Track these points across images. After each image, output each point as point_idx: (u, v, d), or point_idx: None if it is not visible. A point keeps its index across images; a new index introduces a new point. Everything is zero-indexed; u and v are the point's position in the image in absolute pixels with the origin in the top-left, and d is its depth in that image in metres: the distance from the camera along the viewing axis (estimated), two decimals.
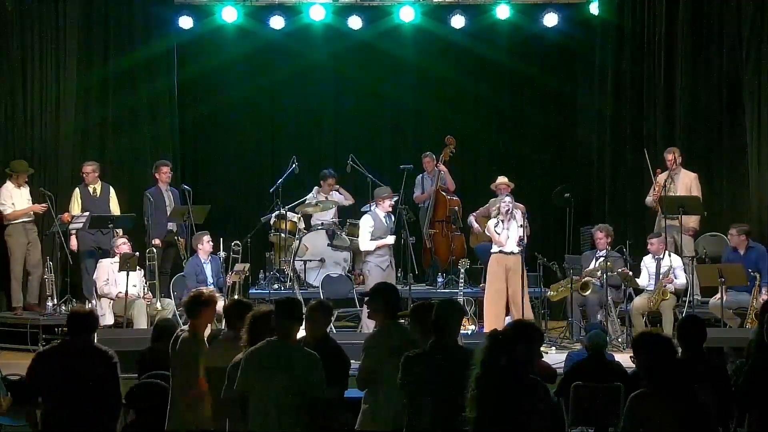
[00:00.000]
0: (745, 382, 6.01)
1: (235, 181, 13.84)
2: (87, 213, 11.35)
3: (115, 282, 10.60)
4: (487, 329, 10.33)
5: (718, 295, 10.34)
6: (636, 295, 10.89)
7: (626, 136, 12.58)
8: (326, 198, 12.36)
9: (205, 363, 6.04)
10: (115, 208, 11.69)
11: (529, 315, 10.29)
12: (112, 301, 10.64)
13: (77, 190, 11.67)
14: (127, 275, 10.28)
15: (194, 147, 13.85)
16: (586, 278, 10.90)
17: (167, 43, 12.90)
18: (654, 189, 11.40)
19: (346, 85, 13.89)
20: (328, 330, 6.56)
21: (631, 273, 10.83)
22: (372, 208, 11.17)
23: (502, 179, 12.08)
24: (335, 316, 9.12)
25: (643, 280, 10.91)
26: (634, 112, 12.58)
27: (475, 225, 12.31)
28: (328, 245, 12.02)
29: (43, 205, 11.33)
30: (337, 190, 12.64)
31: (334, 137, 13.98)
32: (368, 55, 13.58)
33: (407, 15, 13.09)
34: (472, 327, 10.81)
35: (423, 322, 5.82)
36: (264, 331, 5.72)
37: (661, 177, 11.39)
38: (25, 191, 11.52)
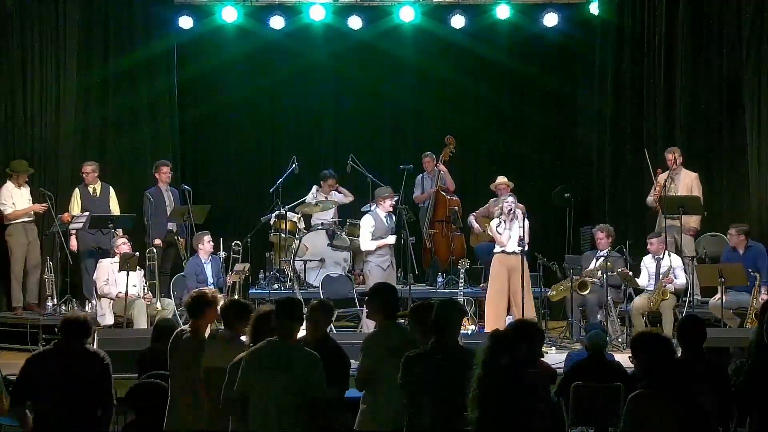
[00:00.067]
0: (745, 382, 6.01)
1: (235, 181, 13.84)
2: (87, 213, 11.35)
3: (115, 282, 10.59)
4: (487, 329, 10.34)
5: (718, 295, 10.34)
6: (636, 295, 10.89)
7: (626, 136, 12.58)
8: (326, 198, 12.37)
9: (203, 363, 6.04)
10: (114, 208, 11.69)
11: (531, 315, 10.26)
12: (112, 301, 10.64)
13: (77, 190, 11.67)
14: (127, 275, 10.28)
15: (194, 147, 13.85)
16: (584, 278, 10.89)
17: (167, 43, 12.90)
18: (655, 189, 11.40)
19: (346, 85, 13.89)
20: (328, 330, 6.56)
21: (631, 273, 10.83)
22: (373, 208, 11.17)
23: (501, 179, 12.09)
24: (335, 316, 9.12)
25: (643, 280, 10.91)
26: (634, 112, 12.57)
27: (475, 225, 12.32)
28: (328, 245, 12.02)
29: (44, 205, 11.33)
30: (336, 189, 12.64)
31: (334, 137, 13.98)
32: (368, 55, 13.58)
33: (407, 15, 13.09)
34: (472, 327, 10.80)
35: (423, 322, 5.82)
36: (266, 331, 5.74)
37: (662, 177, 11.39)
38: (26, 191, 11.52)
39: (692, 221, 11.41)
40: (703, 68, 12.34)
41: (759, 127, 11.93)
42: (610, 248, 11.05)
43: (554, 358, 9.36)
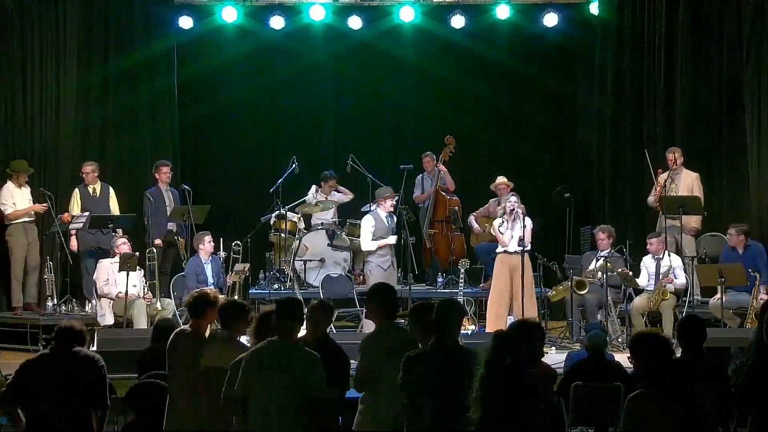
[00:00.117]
0: (745, 382, 6.01)
1: (235, 181, 13.84)
2: (87, 213, 11.35)
3: (115, 282, 10.59)
4: (488, 329, 10.34)
5: (718, 295, 10.34)
6: (636, 295, 10.89)
7: (626, 136, 12.58)
8: (326, 198, 12.37)
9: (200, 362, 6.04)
10: (114, 208, 11.69)
11: (532, 314, 10.25)
12: (112, 301, 10.63)
13: (77, 190, 11.67)
14: (127, 275, 10.27)
15: (194, 147, 13.85)
16: (583, 277, 10.89)
17: (167, 43, 12.90)
18: (655, 189, 11.39)
19: (346, 85, 13.89)
20: (327, 330, 6.56)
21: (631, 273, 10.83)
22: (373, 208, 11.17)
23: (501, 179, 12.10)
24: (335, 316, 9.12)
25: (643, 280, 10.91)
26: (634, 112, 12.58)
27: (475, 225, 12.32)
28: (328, 245, 12.01)
29: (44, 205, 11.33)
30: (336, 189, 12.64)
31: (334, 137, 13.98)
32: (368, 55, 13.59)
33: (407, 15, 13.10)
34: (472, 327, 10.80)
35: (423, 322, 5.83)
36: (268, 331, 5.74)
37: (662, 177, 11.39)
38: (26, 191, 11.52)
39: (693, 221, 11.41)
40: (703, 68, 12.34)
41: (759, 127, 11.92)
42: (610, 248, 11.05)
43: (554, 358, 9.36)
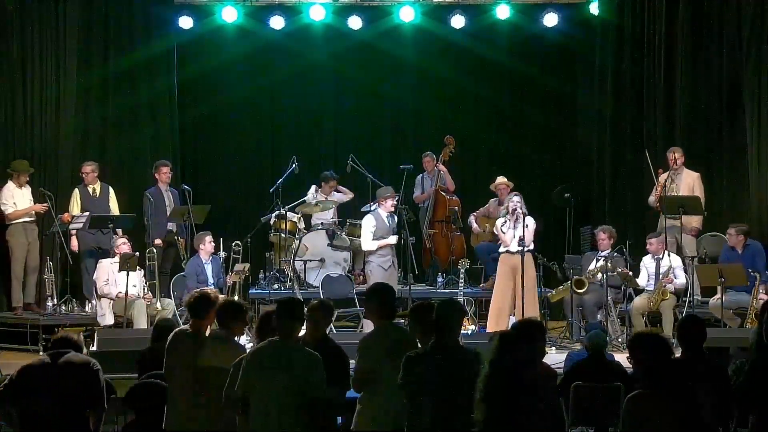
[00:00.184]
0: (745, 382, 6.01)
1: (235, 181, 13.84)
2: (87, 213, 11.35)
3: (115, 282, 10.59)
4: (489, 329, 10.34)
5: (718, 295, 10.33)
6: (636, 295, 10.89)
7: (626, 136, 12.58)
8: (326, 198, 12.37)
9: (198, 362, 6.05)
10: (114, 208, 11.69)
11: (533, 314, 10.23)
12: (112, 301, 10.63)
13: (76, 190, 11.67)
14: (127, 275, 10.27)
15: (194, 147, 13.85)
16: (583, 277, 10.89)
17: (167, 43, 12.90)
18: (656, 189, 11.39)
19: (346, 85, 13.89)
20: (327, 330, 6.56)
21: (631, 273, 10.83)
22: (374, 208, 11.17)
23: (501, 179, 12.10)
24: (335, 316, 9.12)
25: (642, 280, 10.91)
26: (634, 112, 12.58)
27: (475, 225, 12.32)
28: (328, 245, 12.01)
29: (44, 205, 11.33)
30: (336, 189, 12.64)
31: (334, 137, 13.98)
32: (368, 55, 13.59)
33: (407, 15, 13.10)
34: (472, 327, 10.80)
35: (423, 322, 5.83)
36: (270, 331, 5.75)
37: (662, 177, 11.39)
38: (27, 191, 11.52)
39: (694, 221, 11.41)
40: (703, 68, 12.34)
41: (759, 127, 11.92)
42: (611, 249, 11.04)
43: (554, 358, 9.34)
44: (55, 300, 11.27)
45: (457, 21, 13.07)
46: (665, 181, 11.32)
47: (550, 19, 13.13)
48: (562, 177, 13.21)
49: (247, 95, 13.63)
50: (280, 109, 14.01)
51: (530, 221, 10.51)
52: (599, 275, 10.74)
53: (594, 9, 12.99)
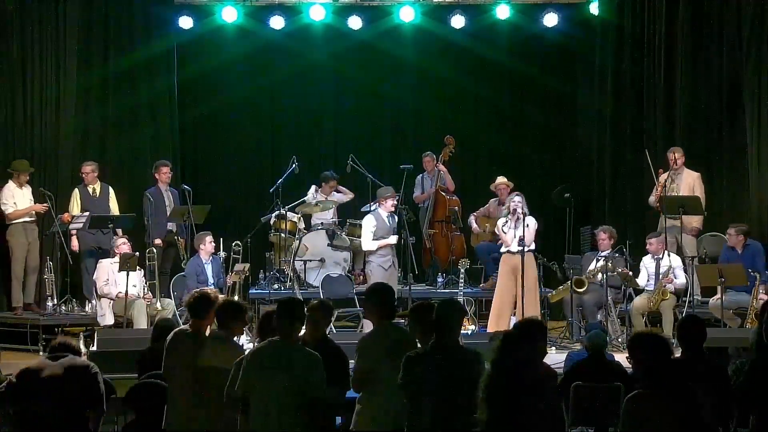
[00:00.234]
0: (745, 382, 6.00)
1: (235, 181, 13.84)
2: (87, 213, 11.35)
3: (115, 282, 10.59)
4: (490, 329, 10.34)
5: (718, 295, 10.33)
6: (636, 295, 10.89)
7: (626, 136, 12.58)
8: (326, 198, 12.37)
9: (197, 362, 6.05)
10: (114, 208, 11.69)
11: (534, 313, 10.22)
12: (112, 301, 10.63)
13: (76, 190, 11.67)
14: (127, 275, 10.27)
15: (194, 147, 13.85)
16: (582, 277, 10.89)
17: (167, 43, 12.90)
18: (656, 189, 11.39)
19: (346, 85, 13.89)
20: (327, 330, 6.56)
21: (631, 273, 10.83)
22: (374, 208, 11.17)
23: (501, 179, 12.11)
24: (335, 316, 9.13)
25: (642, 280, 10.91)
26: (634, 112, 12.58)
27: (475, 225, 12.32)
28: (328, 245, 12.01)
29: (44, 204, 11.33)
30: (336, 189, 12.64)
31: (334, 137, 13.98)
32: (368, 55, 13.59)
33: (407, 15, 13.10)
34: (472, 327, 10.80)
35: (423, 322, 5.83)
36: (270, 331, 5.75)
37: (663, 177, 11.39)
38: (27, 191, 11.52)
39: (694, 221, 11.41)
40: (703, 68, 12.34)
41: (759, 127, 11.92)
42: (611, 249, 11.04)
43: (554, 358, 9.33)
44: (55, 300, 11.27)
45: (457, 21, 13.07)
46: (665, 181, 11.32)
47: (550, 19, 13.13)
48: (562, 177, 13.22)
49: (247, 95, 13.63)
50: (280, 109, 14.01)
51: (531, 221, 10.50)
52: (599, 275, 10.73)
53: (594, 9, 12.99)
